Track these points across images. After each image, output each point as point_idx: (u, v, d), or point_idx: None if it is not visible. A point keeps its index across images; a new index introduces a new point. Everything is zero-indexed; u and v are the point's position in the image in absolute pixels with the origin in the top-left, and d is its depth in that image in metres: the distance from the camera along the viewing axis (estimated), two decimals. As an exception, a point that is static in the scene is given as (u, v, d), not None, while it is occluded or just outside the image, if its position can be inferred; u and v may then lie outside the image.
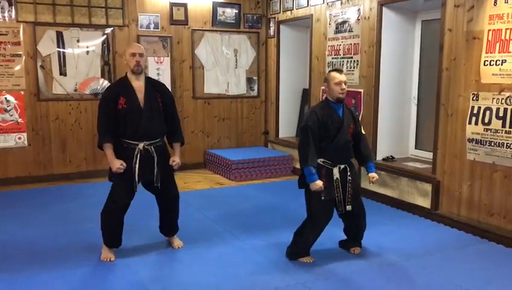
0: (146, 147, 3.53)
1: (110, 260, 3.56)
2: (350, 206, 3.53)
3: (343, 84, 3.47)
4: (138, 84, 3.55)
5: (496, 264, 3.60)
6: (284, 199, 5.45)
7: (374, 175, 3.63)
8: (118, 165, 3.44)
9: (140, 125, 3.47)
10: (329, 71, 3.69)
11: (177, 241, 3.89)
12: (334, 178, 3.48)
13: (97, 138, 3.61)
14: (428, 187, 4.66)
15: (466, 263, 3.62)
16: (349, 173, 3.53)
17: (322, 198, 3.47)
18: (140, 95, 3.53)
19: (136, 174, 3.50)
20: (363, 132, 3.71)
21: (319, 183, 3.40)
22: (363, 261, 3.60)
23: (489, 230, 4.09)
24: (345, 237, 3.86)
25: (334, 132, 3.47)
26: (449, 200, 4.51)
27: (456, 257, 3.73)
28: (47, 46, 6.07)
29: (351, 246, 3.78)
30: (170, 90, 6.63)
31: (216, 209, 4.99)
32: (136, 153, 3.50)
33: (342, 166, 3.52)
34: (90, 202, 5.18)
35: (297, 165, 6.71)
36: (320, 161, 3.49)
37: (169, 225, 3.86)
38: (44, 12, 6.00)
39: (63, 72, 6.19)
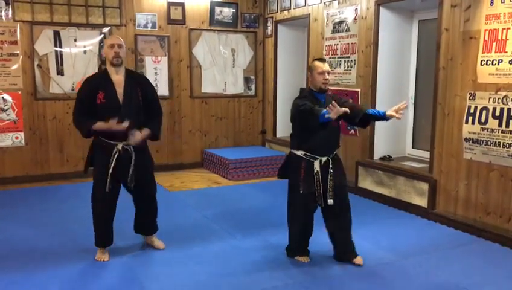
0: (125, 146, 3.43)
1: (103, 261, 3.54)
2: (332, 200, 3.41)
3: (326, 74, 3.41)
4: (118, 78, 3.43)
5: (493, 262, 3.62)
6: (281, 199, 5.41)
7: (390, 113, 3.26)
8: (113, 122, 3.28)
9: (117, 122, 3.34)
10: (313, 60, 3.60)
11: (157, 242, 3.80)
12: (315, 171, 3.40)
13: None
14: (425, 186, 4.68)
15: (463, 261, 3.63)
16: (331, 166, 3.42)
17: (301, 191, 3.41)
18: (120, 89, 3.41)
19: (109, 174, 3.41)
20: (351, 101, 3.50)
21: (337, 109, 3.01)
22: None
23: (485, 229, 4.11)
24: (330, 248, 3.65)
25: (316, 121, 3.23)
26: (446, 200, 4.52)
27: (452, 255, 3.74)
28: (44, 45, 6.06)
29: (347, 257, 3.54)
30: (168, 89, 6.73)
31: (213, 209, 4.99)
32: (114, 152, 3.42)
33: (324, 159, 3.43)
34: (88, 201, 5.15)
35: (295, 165, 6.72)
36: (301, 153, 3.43)
37: (145, 223, 3.77)
38: (42, 12, 5.99)
39: (60, 72, 6.19)
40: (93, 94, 3.36)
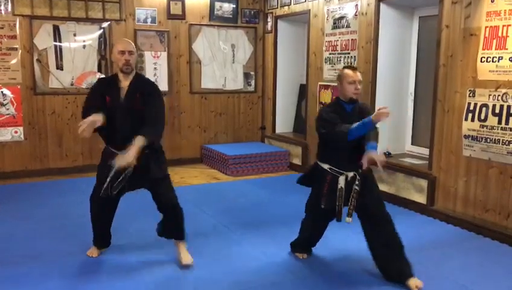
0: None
1: (91, 256, 3.54)
2: (350, 219, 3.18)
3: (357, 83, 3.19)
4: (125, 84, 3.28)
5: (491, 259, 3.63)
6: (281, 194, 5.47)
7: (370, 155, 3.05)
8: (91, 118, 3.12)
9: (116, 130, 3.23)
10: (343, 68, 3.36)
11: (185, 255, 3.45)
12: (338, 187, 3.18)
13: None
14: (424, 183, 4.68)
15: (461, 258, 3.64)
16: (356, 183, 3.18)
17: (322, 206, 3.24)
18: (123, 96, 3.26)
19: (107, 182, 3.26)
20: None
21: (380, 111, 2.91)
22: (360, 256, 3.60)
23: (484, 226, 4.12)
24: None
25: (344, 141, 3.09)
26: (445, 196, 4.53)
27: (451, 252, 3.75)
28: (43, 39, 6.04)
29: (397, 278, 3.17)
30: (167, 85, 6.72)
31: (212, 204, 5.00)
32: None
33: (351, 174, 3.19)
34: (87, 196, 5.14)
35: (294, 161, 6.73)
36: (326, 166, 3.25)
37: (170, 228, 3.49)
38: (41, 6, 5.96)
39: (59, 66, 6.17)
40: (102, 97, 3.26)
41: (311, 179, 3.43)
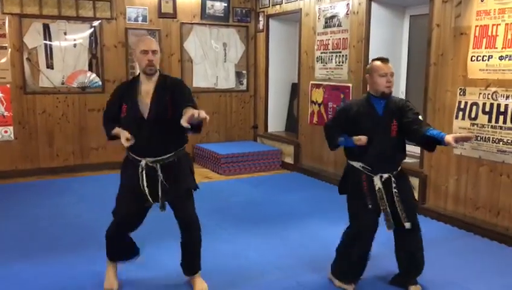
0: (150, 164, 2.92)
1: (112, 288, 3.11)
2: (409, 223, 2.94)
3: (389, 76, 2.92)
4: (148, 87, 2.92)
5: (482, 257, 3.66)
6: (273, 193, 5.47)
7: (448, 138, 2.69)
8: (126, 135, 2.83)
9: (140, 139, 2.87)
10: (372, 60, 3.07)
11: (199, 284, 3.12)
12: (376, 188, 2.94)
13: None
14: (415, 181, 4.70)
15: (452, 256, 3.67)
16: (394, 185, 2.94)
17: (370, 206, 2.94)
18: (147, 100, 2.90)
19: (147, 191, 2.91)
20: (420, 117, 2.94)
21: (359, 138, 2.89)
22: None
23: (475, 224, 4.15)
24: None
25: (369, 132, 2.91)
26: (436, 194, 4.56)
27: (442, 250, 3.77)
28: (33, 38, 5.99)
29: (407, 282, 3.10)
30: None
31: (205, 204, 4.94)
32: (140, 170, 2.92)
33: (385, 175, 2.95)
34: (78, 196, 5.15)
35: (286, 159, 6.74)
36: (359, 165, 2.99)
37: (186, 259, 3.17)
38: (30, 4, 5.91)
39: (49, 65, 6.12)
40: (119, 105, 2.95)
41: (348, 182, 3.10)
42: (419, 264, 3.10)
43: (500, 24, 3.86)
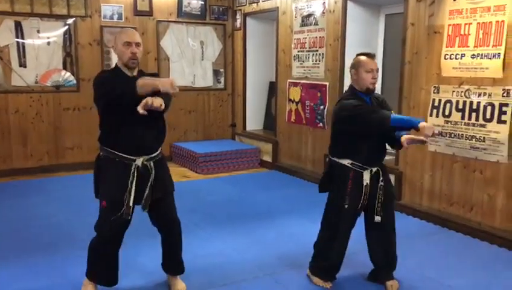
0: (145, 163, 2.77)
1: None
2: (379, 217, 2.97)
3: (375, 72, 2.93)
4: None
5: (456, 251, 3.73)
6: (251, 192, 5.48)
7: (402, 139, 2.80)
8: (170, 79, 2.54)
9: (133, 135, 2.72)
10: (357, 55, 3.03)
11: (177, 284, 3.07)
12: (364, 183, 2.93)
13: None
14: (391, 178, 4.75)
15: (427, 251, 3.73)
16: (381, 178, 2.97)
17: (346, 206, 2.95)
18: None
19: (130, 199, 2.72)
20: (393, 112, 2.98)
21: (427, 125, 2.68)
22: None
23: (449, 219, 4.23)
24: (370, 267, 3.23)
25: (385, 128, 2.84)
26: (411, 191, 4.63)
27: (418, 245, 3.83)
28: (5, 36, 5.85)
29: (384, 278, 3.12)
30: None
31: (182, 203, 4.87)
32: (133, 171, 2.73)
33: (374, 169, 2.97)
34: (52, 196, 5.06)
35: (265, 158, 6.75)
36: (347, 162, 2.95)
37: (170, 257, 3.07)
38: (1, 1, 5.77)
39: (22, 64, 5.99)
40: None
41: (330, 180, 3.08)
42: (393, 259, 3.14)
43: (472, 23, 3.94)
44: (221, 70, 7.36)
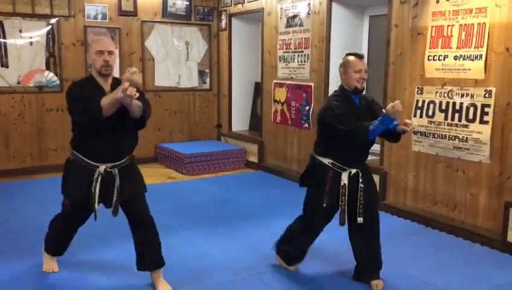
0: (109, 169, 2.88)
1: (53, 271, 3.23)
2: (361, 218, 3.01)
3: (363, 72, 2.98)
4: (106, 88, 2.86)
5: (440, 250, 3.78)
6: (237, 192, 5.47)
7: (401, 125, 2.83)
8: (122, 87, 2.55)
9: (100, 143, 2.82)
10: (346, 55, 3.10)
11: (163, 285, 3.07)
12: (342, 183, 3.00)
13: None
14: (375, 178, 4.77)
15: (412, 250, 3.77)
16: (361, 180, 3.02)
17: (324, 205, 3.02)
18: None
19: (96, 201, 2.86)
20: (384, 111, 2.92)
21: (392, 105, 2.71)
22: (311, 252, 3.64)
23: (433, 218, 4.28)
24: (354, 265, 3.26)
25: (362, 140, 2.92)
26: (396, 191, 4.67)
27: (402, 245, 3.87)
28: (-14, 36, 5.77)
29: (369, 277, 3.15)
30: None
31: (168, 204, 4.93)
32: (96, 176, 2.86)
33: (354, 171, 3.01)
34: (34, 198, 4.99)
35: (250, 158, 6.75)
36: (327, 161, 3.02)
37: (147, 256, 3.08)
38: (-17, 1, 5.69)
39: (4, 64, 5.90)
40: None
41: (310, 176, 3.15)
42: (378, 258, 3.17)
43: (454, 25, 4.00)
44: (207, 70, 7.34)
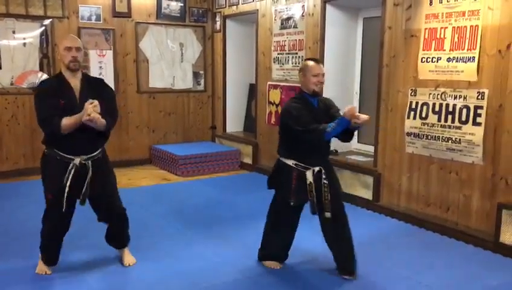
0: (83, 162, 3.06)
1: (46, 273, 3.26)
2: (329, 213, 3.13)
3: (321, 76, 3.15)
4: (74, 83, 3.05)
5: (433, 251, 3.79)
6: (231, 194, 5.47)
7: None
8: (89, 108, 2.84)
9: (74, 136, 2.97)
10: (305, 60, 3.34)
11: (127, 257, 3.44)
12: (308, 182, 3.12)
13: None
14: (369, 179, 4.83)
15: (405, 251, 3.78)
16: (324, 177, 3.13)
17: (291, 204, 3.17)
18: (77, 96, 3.04)
19: (65, 193, 3.02)
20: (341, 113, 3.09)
21: (349, 109, 2.86)
22: (306, 252, 3.66)
23: (426, 219, 4.30)
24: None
25: (320, 140, 3.06)
26: (389, 192, 4.69)
27: (395, 246, 3.88)
28: (-21, 37, 5.74)
29: (342, 271, 3.28)
30: (113, 84, 6.55)
31: (162, 206, 4.93)
32: (70, 168, 3.03)
33: (317, 168, 3.13)
34: (28, 200, 4.96)
35: (245, 160, 6.75)
36: (291, 162, 3.17)
37: (116, 237, 3.45)
38: (-24, 1, 5.66)
39: (-3, 65, 5.88)
40: (56, 100, 2.98)
41: (276, 178, 3.30)
42: (349, 252, 3.25)
43: (447, 27, 4.02)
44: (201, 72, 7.34)
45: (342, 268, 3.28)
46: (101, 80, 3.33)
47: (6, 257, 3.54)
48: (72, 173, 3.02)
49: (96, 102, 2.90)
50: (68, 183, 3.01)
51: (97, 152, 3.15)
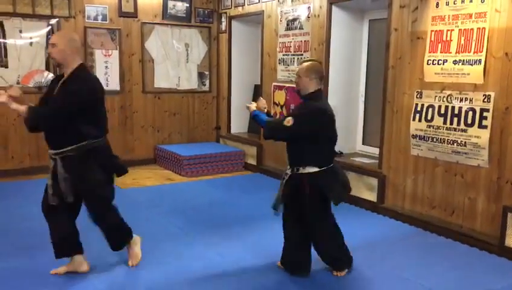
0: (53, 156, 3.11)
1: (81, 270, 3.24)
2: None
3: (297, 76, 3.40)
4: (64, 79, 3.09)
5: (436, 254, 3.78)
6: (236, 195, 5.47)
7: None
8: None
9: (47, 131, 3.16)
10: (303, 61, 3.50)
11: (131, 258, 3.42)
12: (283, 182, 3.38)
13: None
14: (374, 182, 4.81)
15: (408, 254, 3.77)
16: (286, 178, 3.36)
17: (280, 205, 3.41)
18: (55, 90, 3.08)
19: (50, 186, 3.11)
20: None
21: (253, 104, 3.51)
22: (312, 251, 3.65)
23: (431, 222, 4.28)
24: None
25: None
26: (394, 194, 4.68)
27: (398, 248, 3.87)
28: (-14, 36, 5.77)
29: (331, 268, 3.42)
30: (119, 84, 6.56)
31: (166, 206, 4.93)
32: (52, 162, 3.13)
33: (289, 172, 3.32)
34: (33, 199, 4.94)
35: (249, 161, 6.75)
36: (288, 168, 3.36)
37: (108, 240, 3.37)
38: (-17, 0, 5.70)
39: (4, 64, 5.90)
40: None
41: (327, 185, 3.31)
42: (326, 252, 3.35)
43: (454, 30, 4.01)
44: (206, 72, 7.35)
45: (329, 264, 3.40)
46: (78, 76, 3.06)
47: (11, 254, 3.55)
48: (51, 166, 3.12)
49: (15, 87, 3.06)
50: (49, 176, 3.11)
51: (65, 149, 3.03)
